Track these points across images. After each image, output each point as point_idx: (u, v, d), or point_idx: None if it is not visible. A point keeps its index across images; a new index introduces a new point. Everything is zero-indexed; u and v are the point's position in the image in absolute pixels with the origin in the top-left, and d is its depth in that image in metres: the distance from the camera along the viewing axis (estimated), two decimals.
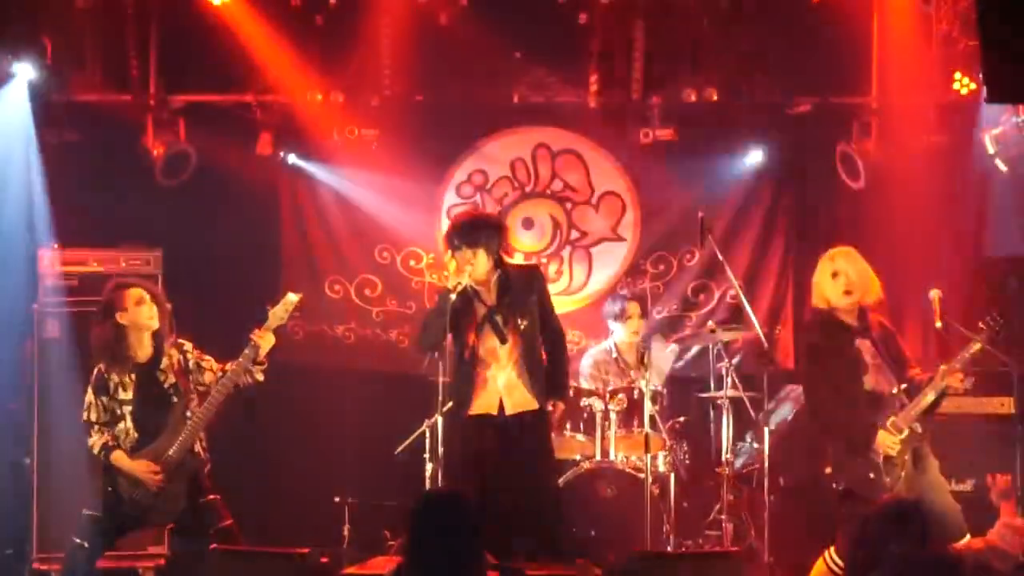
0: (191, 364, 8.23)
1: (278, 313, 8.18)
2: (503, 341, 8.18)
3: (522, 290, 8.27)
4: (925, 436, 7.82)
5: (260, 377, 8.20)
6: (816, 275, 8.05)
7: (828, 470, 7.86)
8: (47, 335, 9.87)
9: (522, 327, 8.20)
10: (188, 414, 8.10)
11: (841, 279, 7.93)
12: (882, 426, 7.70)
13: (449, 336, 8.18)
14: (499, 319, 8.20)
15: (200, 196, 10.79)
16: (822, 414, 7.89)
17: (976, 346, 7.77)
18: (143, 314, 8.13)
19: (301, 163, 11.18)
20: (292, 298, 8.21)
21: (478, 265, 8.14)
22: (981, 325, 7.83)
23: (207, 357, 8.28)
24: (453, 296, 8.00)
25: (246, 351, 8.08)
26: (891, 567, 5.33)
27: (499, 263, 8.26)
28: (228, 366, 8.15)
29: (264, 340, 8.09)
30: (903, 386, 7.82)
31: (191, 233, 10.65)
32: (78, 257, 10.09)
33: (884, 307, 8.12)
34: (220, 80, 10.83)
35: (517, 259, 11.06)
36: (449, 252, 8.24)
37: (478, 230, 8.20)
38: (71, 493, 9.13)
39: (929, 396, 7.75)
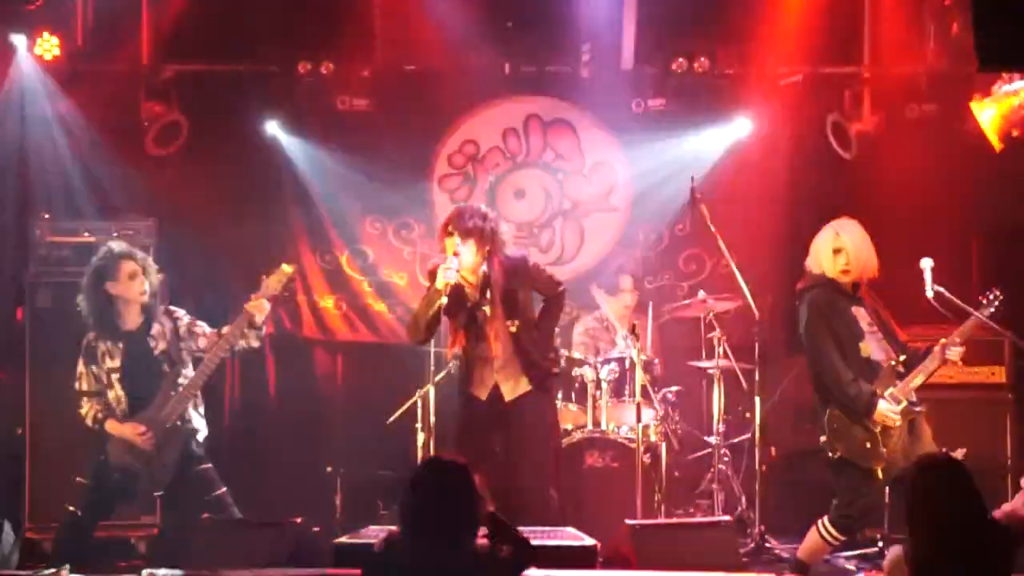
0: (183, 331, 8.24)
1: (271, 284, 8.23)
2: (483, 339, 8.26)
3: (512, 289, 8.30)
4: (923, 409, 7.83)
5: (256, 343, 8.25)
6: (819, 242, 8.01)
7: (824, 438, 7.83)
8: (39, 305, 9.86)
9: (513, 330, 8.27)
10: (180, 381, 8.13)
11: (842, 258, 7.91)
12: (881, 395, 7.69)
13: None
14: (480, 316, 8.28)
15: (192, 165, 10.76)
16: (827, 373, 7.82)
17: (975, 320, 7.79)
18: (135, 288, 8.16)
19: (292, 133, 11.14)
20: (286, 269, 8.27)
21: (465, 256, 8.19)
22: (981, 299, 7.84)
23: (200, 323, 8.30)
24: (444, 300, 8.06)
25: (239, 319, 8.11)
26: (939, 529, 5.37)
27: (489, 262, 8.29)
28: (224, 330, 8.18)
29: (257, 308, 8.11)
30: (902, 357, 7.83)
31: (183, 203, 10.62)
32: (70, 227, 10.06)
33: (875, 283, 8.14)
34: (212, 49, 10.80)
35: (508, 229, 11.09)
36: (443, 238, 8.33)
37: (474, 223, 8.26)
38: (64, 463, 9.14)
39: (929, 368, 7.76)
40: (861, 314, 7.88)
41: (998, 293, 7.83)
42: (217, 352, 8.12)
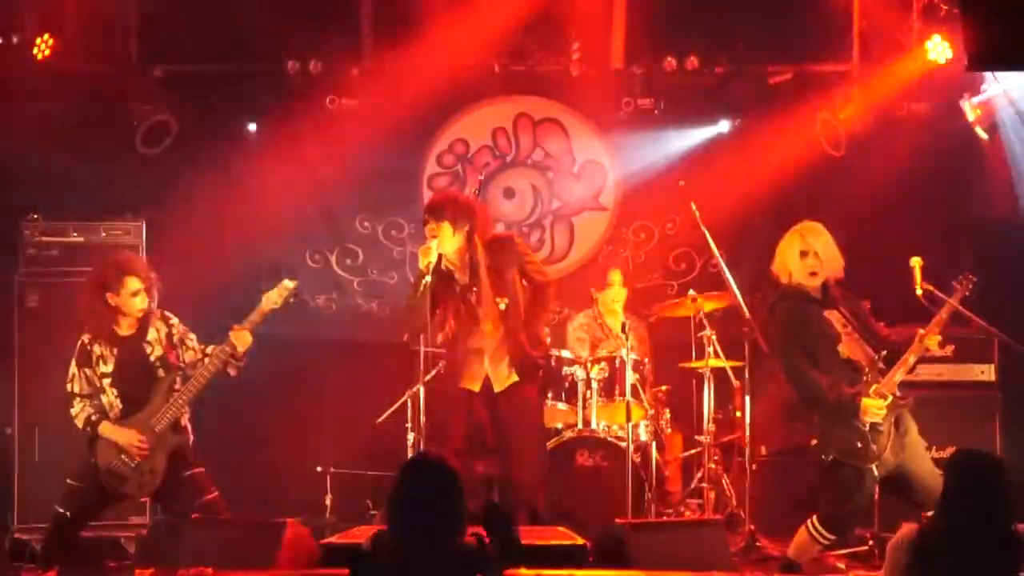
0: (176, 339, 8.24)
1: (272, 297, 8.24)
2: (476, 322, 8.28)
3: (499, 267, 8.33)
4: (909, 402, 7.83)
5: (233, 373, 8.22)
6: (783, 248, 8.04)
7: (814, 441, 7.84)
8: (28, 305, 9.85)
9: (502, 307, 8.28)
10: (176, 387, 8.12)
11: (809, 260, 7.92)
12: (865, 393, 7.70)
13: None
14: (472, 298, 8.30)
15: (181, 165, 10.74)
16: (804, 385, 7.86)
17: (950, 306, 7.80)
18: (135, 305, 8.16)
19: (281, 132, 11.10)
20: (288, 284, 8.29)
21: (443, 239, 8.22)
22: (955, 284, 7.85)
23: (191, 335, 8.31)
24: (428, 278, 8.07)
25: (224, 346, 8.09)
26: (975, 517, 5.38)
27: (470, 242, 8.31)
28: (208, 349, 8.17)
29: (240, 339, 8.09)
30: (883, 353, 7.84)
31: (172, 203, 10.61)
32: (59, 228, 10.05)
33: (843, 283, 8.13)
34: (200, 49, 10.77)
35: (499, 230, 11.07)
36: (424, 228, 8.38)
37: (445, 206, 8.36)
38: (52, 463, 9.14)
39: (910, 361, 7.77)
40: (835, 317, 7.89)
41: (971, 277, 7.84)
42: (202, 374, 8.12)
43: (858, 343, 7.86)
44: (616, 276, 10.38)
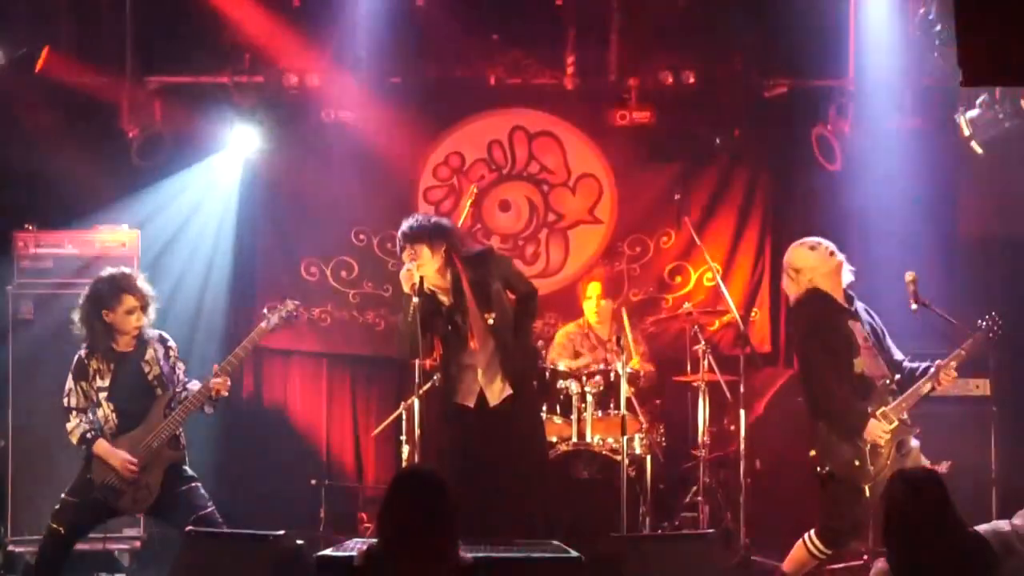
0: (171, 362, 8.25)
1: (273, 317, 8.28)
2: (465, 341, 8.27)
3: (482, 282, 8.33)
4: (914, 429, 7.82)
5: (209, 411, 8.23)
6: (794, 263, 8.00)
7: (813, 452, 7.83)
8: (21, 316, 9.84)
9: (491, 322, 8.28)
10: (172, 405, 8.11)
11: (822, 247, 7.94)
12: (872, 414, 7.69)
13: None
14: (459, 319, 8.30)
15: (176, 177, 10.74)
16: (819, 389, 7.81)
17: (973, 344, 7.79)
18: (130, 323, 8.17)
19: (278, 145, 11.09)
20: (290, 304, 8.33)
21: (423, 261, 8.22)
22: (980, 323, 7.85)
23: (181, 364, 8.32)
24: (416, 299, 8.08)
25: (202, 389, 8.10)
26: (916, 541, 5.37)
27: (450, 263, 8.32)
28: (190, 384, 8.18)
29: (220, 385, 8.12)
30: (896, 376, 7.82)
31: (166, 215, 10.61)
32: (53, 239, 10.04)
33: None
34: (196, 61, 10.78)
35: (494, 242, 11.06)
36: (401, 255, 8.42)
37: (420, 228, 8.36)
38: (46, 476, 9.12)
39: (923, 390, 7.76)
40: (857, 329, 7.87)
41: (997, 317, 7.83)
42: (186, 405, 8.13)
43: (875, 360, 7.84)
44: (595, 289, 10.35)
